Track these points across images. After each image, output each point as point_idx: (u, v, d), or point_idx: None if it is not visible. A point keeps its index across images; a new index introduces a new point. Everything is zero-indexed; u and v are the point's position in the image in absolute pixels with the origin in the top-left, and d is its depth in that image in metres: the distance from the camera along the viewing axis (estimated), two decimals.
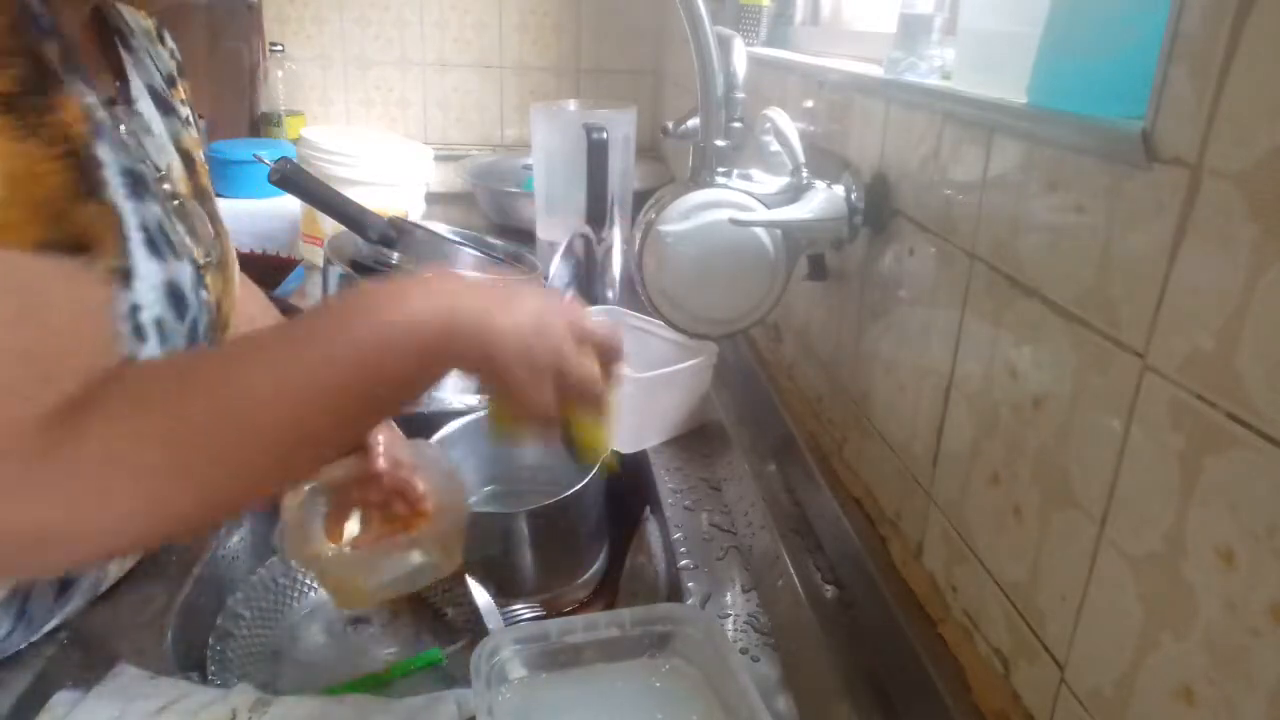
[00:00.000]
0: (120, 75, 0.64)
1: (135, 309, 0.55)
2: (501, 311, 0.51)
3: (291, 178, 1.10)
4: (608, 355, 0.56)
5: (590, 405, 0.56)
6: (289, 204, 1.79)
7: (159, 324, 0.57)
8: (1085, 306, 0.45)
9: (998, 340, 0.54)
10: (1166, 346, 0.39)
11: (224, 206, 1.96)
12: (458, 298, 0.50)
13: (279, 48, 2.08)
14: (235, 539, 0.83)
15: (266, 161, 1.20)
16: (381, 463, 0.72)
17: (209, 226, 0.69)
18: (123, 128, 0.59)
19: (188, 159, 0.69)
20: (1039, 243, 0.50)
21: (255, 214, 1.87)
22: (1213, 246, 0.36)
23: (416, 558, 0.69)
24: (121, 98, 0.63)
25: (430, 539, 0.70)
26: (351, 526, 0.72)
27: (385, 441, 0.73)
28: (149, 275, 0.56)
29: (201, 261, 0.64)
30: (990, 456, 0.55)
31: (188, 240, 0.63)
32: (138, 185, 0.56)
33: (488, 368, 0.51)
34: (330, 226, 1.31)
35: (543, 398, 0.53)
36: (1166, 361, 0.39)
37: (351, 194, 1.16)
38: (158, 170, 0.63)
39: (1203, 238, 0.37)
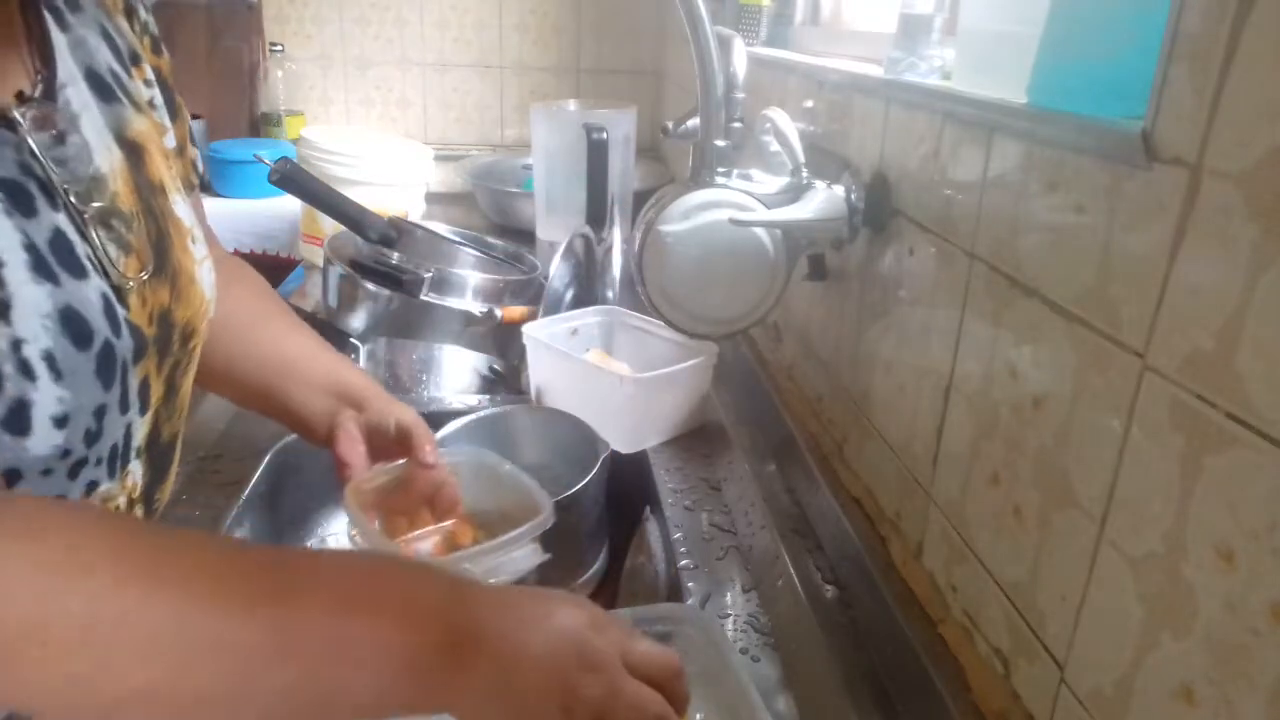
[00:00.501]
0: (48, 61, 0.55)
1: (17, 344, 0.46)
2: (533, 628, 0.42)
3: (291, 178, 1.10)
4: (665, 685, 0.46)
5: None
6: (289, 204, 1.79)
7: (49, 358, 0.48)
8: (1085, 306, 0.45)
9: (998, 340, 0.54)
10: (1166, 346, 0.39)
11: (224, 206, 1.95)
12: (478, 606, 0.41)
13: (279, 48, 2.08)
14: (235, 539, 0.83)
15: (266, 161, 1.20)
16: (430, 457, 0.70)
17: (153, 227, 0.59)
18: (24, 129, 0.51)
19: (134, 151, 0.59)
20: (1039, 243, 0.50)
21: (255, 214, 1.87)
22: (1213, 246, 0.36)
23: (532, 556, 0.64)
24: (43, 91, 0.54)
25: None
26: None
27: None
28: (34, 303, 0.48)
29: (128, 275, 0.55)
30: (990, 456, 0.55)
31: (108, 253, 0.54)
32: (20, 199, 0.49)
33: (507, 712, 0.41)
34: (330, 226, 1.31)
35: None
36: (1166, 361, 0.39)
37: (351, 194, 1.16)
38: (73, 177, 0.53)
39: (1203, 238, 0.37)
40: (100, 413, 0.52)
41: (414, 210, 1.81)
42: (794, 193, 0.75)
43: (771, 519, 0.80)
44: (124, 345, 0.54)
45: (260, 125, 2.14)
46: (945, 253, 0.61)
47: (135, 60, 0.64)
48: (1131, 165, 0.41)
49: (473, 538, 0.70)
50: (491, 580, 0.62)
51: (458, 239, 1.28)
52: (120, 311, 0.54)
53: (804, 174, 0.76)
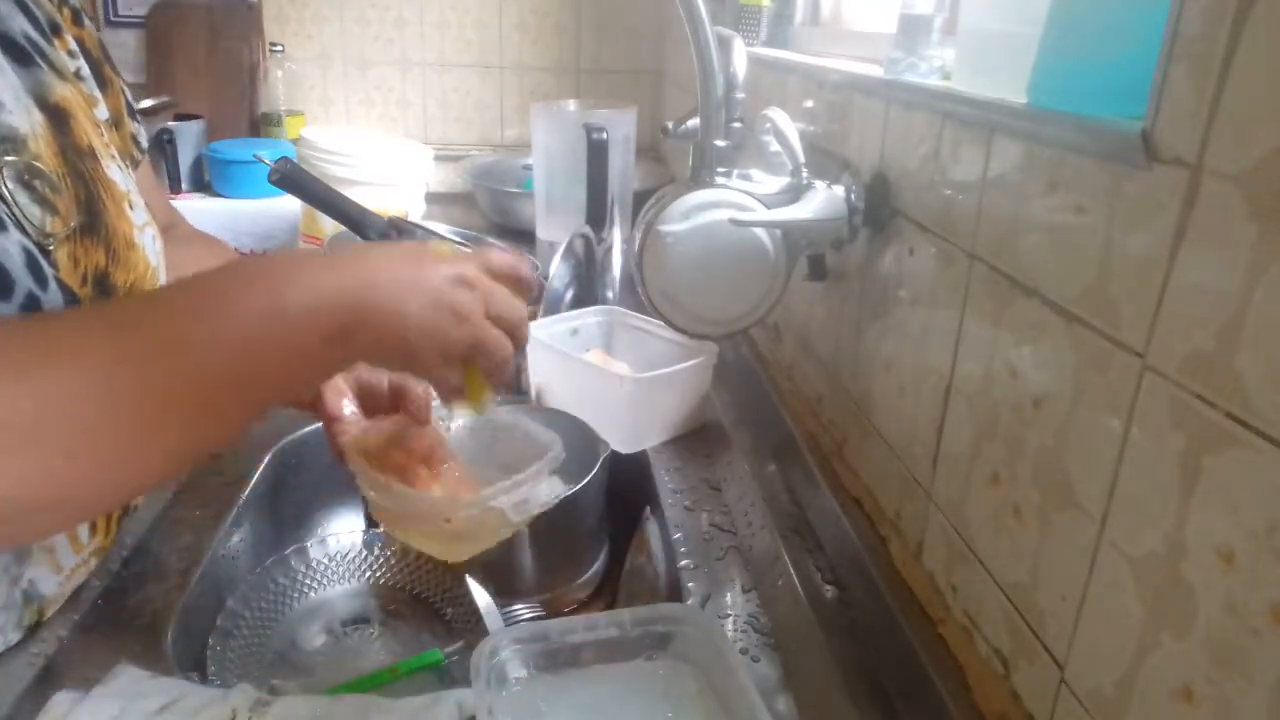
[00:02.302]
0: None
1: None
2: (412, 297, 0.49)
3: (291, 178, 1.10)
4: (514, 331, 0.56)
5: (495, 373, 0.56)
6: (289, 204, 1.79)
7: None
8: (1085, 306, 0.45)
9: (998, 340, 0.54)
10: (1166, 346, 0.39)
11: (224, 206, 1.95)
12: (373, 275, 0.49)
13: (279, 48, 2.08)
14: (235, 539, 0.83)
15: (266, 161, 1.20)
16: (424, 415, 0.68)
17: (81, 189, 0.59)
18: None
19: (58, 116, 0.59)
20: (1039, 243, 0.50)
21: (255, 214, 1.87)
22: (1213, 246, 0.36)
23: (556, 484, 0.65)
24: None
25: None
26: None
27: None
28: None
29: (55, 231, 0.56)
30: (990, 456, 0.55)
31: (32, 210, 0.55)
32: None
33: (397, 358, 0.52)
34: (330, 226, 1.31)
35: (451, 379, 0.54)
36: (1166, 361, 0.39)
37: (351, 194, 1.16)
38: None
39: (1203, 238, 0.37)
40: None
41: (414, 210, 1.81)
42: (794, 193, 0.75)
43: (771, 519, 0.80)
44: (51, 300, 0.54)
45: (260, 125, 2.13)
46: (945, 253, 0.61)
47: (55, 30, 0.64)
48: (1131, 165, 0.41)
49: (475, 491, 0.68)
50: (518, 517, 0.64)
51: (458, 239, 1.28)
52: (48, 269, 0.54)
53: (804, 174, 0.76)
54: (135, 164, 0.72)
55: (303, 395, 0.68)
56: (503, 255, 0.57)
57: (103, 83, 0.67)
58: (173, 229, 0.80)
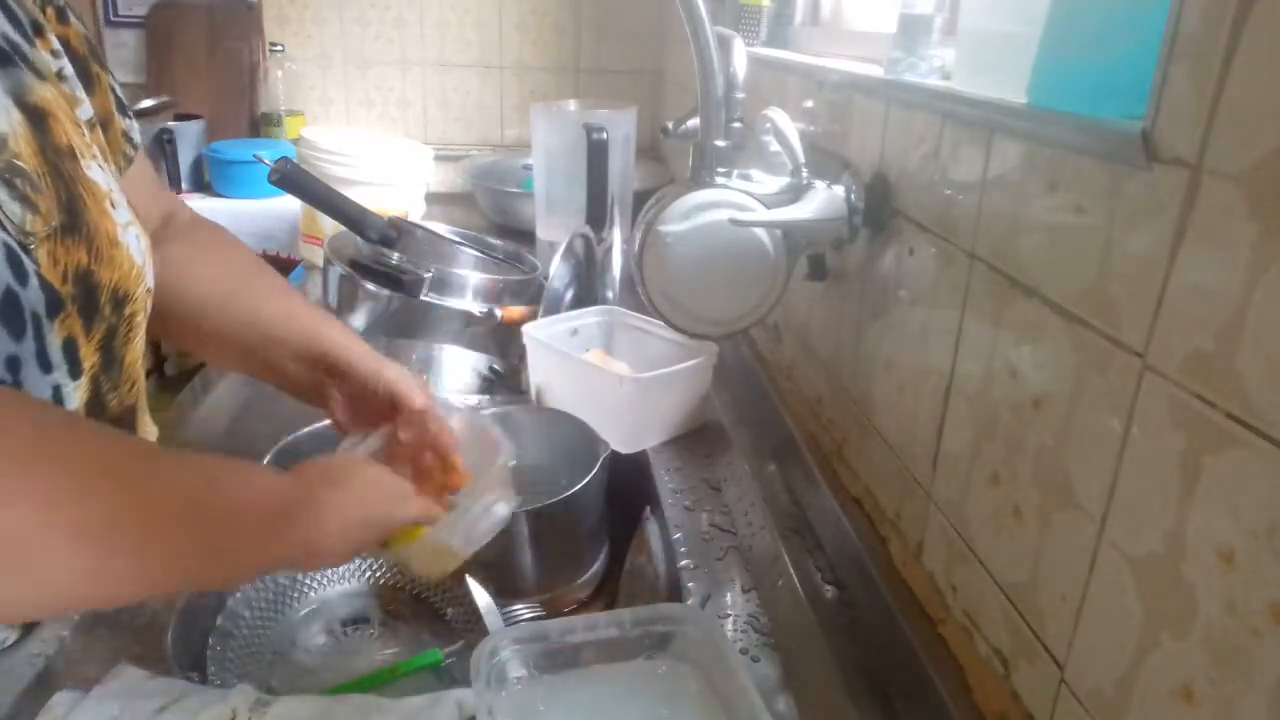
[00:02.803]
0: None
1: None
2: (352, 501, 0.58)
3: (291, 178, 1.10)
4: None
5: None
6: (289, 204, 1.79)
7: None
8: (1085, 306, 0.45)
9: (998, 340, 0.54)
10: (1166, 346, 0.39)
11: (224, 206, 1.95)
12: (310, 484, 0.56)
13: (279, 48, 2.08)
14: None
15: (266, 161, 1.20)
16: (420, 401, 0.70)
17: (62, 189, 0.59)
18: None
19: (37, 116, 0.59)
20: (1039, 243, 0.50)
21: (255, 214, 1.87)
22: (1213, 246, 0.36)
23: (501, 508, 0.67)
24: None
25: (485, 487, 0.68)
26: None
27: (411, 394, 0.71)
28: None
29: (35, 230, 0.56)
30: (990, 456, 0.55)
31: (13, 208, 0.55)
32: None
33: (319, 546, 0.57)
34: (330, 226, 1.31)
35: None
36: (1166, 361, 0.39)
37: (351, 194, 1.16)
38: None
39: (1203, 238, 0.37)
40: (13, 365, 0.53)
41: (414, 210, 1.81)
42: (794, 193, 0.75)
43: (771, 519, 0.80)
44: (32, 297, 0.54)
45: (260, 125, 2.14)
46: (945, 253, 0.61)
47: (38, 31, 0.63)
48: (1131, 165, 0.41)
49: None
50: (470, 547, 0.67)
51: (458, 239, 1.28)
52: (28, 265, 0.54)
53: (804, 174, 0.76)
54: (129, 160, 0.71)
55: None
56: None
57: (89, 81, 0.67)
58: (174, 219, 0.79)
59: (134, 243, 0.64)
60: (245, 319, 0.73)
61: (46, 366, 0.55)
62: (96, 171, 0.62)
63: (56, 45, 0.64)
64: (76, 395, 0.58)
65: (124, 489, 0.45)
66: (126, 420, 0.63)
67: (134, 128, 0.72)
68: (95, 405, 0.60)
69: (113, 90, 0.70)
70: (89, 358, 0.59)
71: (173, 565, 0.48)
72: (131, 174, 0.72)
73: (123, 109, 0.71)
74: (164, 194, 0.82)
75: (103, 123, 0.68)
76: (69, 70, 0.65)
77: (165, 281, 0.70)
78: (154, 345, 1.96)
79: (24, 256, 0.54)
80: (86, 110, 0.65)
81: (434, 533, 0.64)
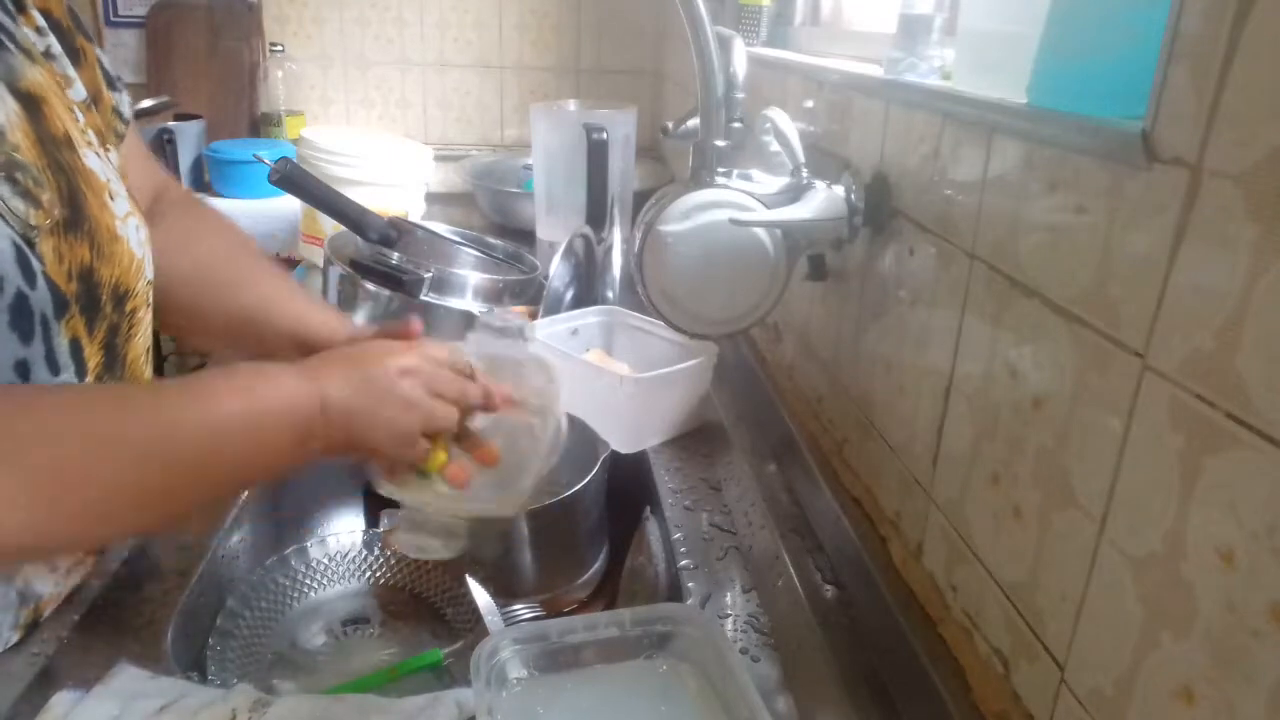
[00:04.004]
0: None
1: None
2: (360, 401, 0.58)
3: (291, 178, 1.10)
4: (459, 374, 0.65)
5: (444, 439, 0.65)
6: (289, 204, 1.79)
7: None
8: (1085, 306, 0.45)
9: (998, 340, 0.54)
10: (1166, 346, 0.39)
11: (224, 206, 1.96)
12: (327, 383, 0.57)
13: (279, 48, 2.08)
14: (235, 539, 0.83)
15: (266, 161, 1.20)
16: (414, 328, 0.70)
17: (63, 181, 0.57)
18: None
19: (31, 103, 0.57)
20: (1039, 243, 0.50)
21: (255, 214, 1.87)
22: (1213, 246, 0.36)
23: (544, 424, 0.69)
24: None
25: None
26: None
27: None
28: None
29: (38, 224, 0.55)
30: (990, 456, 0.55)
31: (15, 203, 0.53)
32: None
33: (359, 451, 0.60)
34: (330, 226, 1.31)
35: (408, 456, 0.62)
36: (1166, 361, 0.39)
37: (351, 194, 1.16)
38: None
39: (1203, 238, 0.37)
40: (22, 368, 0.52)
41: (414, 210, 1.81)
42: (794, 193, 0.75)
43: (771, 519, 0.80)
44: (40, 298, 0.54)
45: (260, 125, 2.13)
46: (945, 253, 0.61)
47: (21, 7, 0.61)
48: (1131, 165, 0.41)
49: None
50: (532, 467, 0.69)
51: (458, 239, 1.28)
52: (36, 264, 0.54)
53: (804, 174, 0.76)
54: (120, 136, 0.69)
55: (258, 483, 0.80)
56: (439, 346, 0.66)
57: (75, 56, 0.64)
58: (164, 196, 0.78)
59: (134, 235, 0.63)
60: (231, 304, 0.73)
61: (55, 368, 0.55)
62: (94, 160, 0.61)
63: (40, 21, 0.62)
64: None
65: (137, 454, 0.49)
66: None
67: (124, 101, 0.70)
68: None
69: (100, 63, 0.67)
70: (93, 357, 0.59)
71: (197, 498, 0.55)
72: (122, 150, 0.70)
73: (110, 83, 0.68)
74: (155, 170, 0.80)
75: (93, 98, 0.65)
76: (56, 48, 0.62)
77: (156, 263, 0.69)
78: (154, 345, 1.95)
79: (30, 255, 0.53)
80: (79, 91, 0.63)
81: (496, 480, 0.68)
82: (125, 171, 0.67)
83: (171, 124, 1.94)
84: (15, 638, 0.63)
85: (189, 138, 1.96)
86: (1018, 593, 0.52)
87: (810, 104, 0.92)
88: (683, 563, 0.79)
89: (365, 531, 0.90)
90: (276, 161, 1.10)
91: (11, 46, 0.57)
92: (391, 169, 1.76)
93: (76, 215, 0.58)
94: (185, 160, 1.95)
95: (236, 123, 2.12)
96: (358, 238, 1.15)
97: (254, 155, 1.74)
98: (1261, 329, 0.34)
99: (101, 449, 0.48)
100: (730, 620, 0.72)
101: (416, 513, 0.73)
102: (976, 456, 0.57)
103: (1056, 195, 0.48)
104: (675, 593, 0.77)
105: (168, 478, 0.51)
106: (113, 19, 2.08)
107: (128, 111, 0.71)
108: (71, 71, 0.63)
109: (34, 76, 0.58)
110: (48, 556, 0.63)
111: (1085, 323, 0.45)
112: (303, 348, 0.70)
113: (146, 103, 1.94)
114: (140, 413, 0.51)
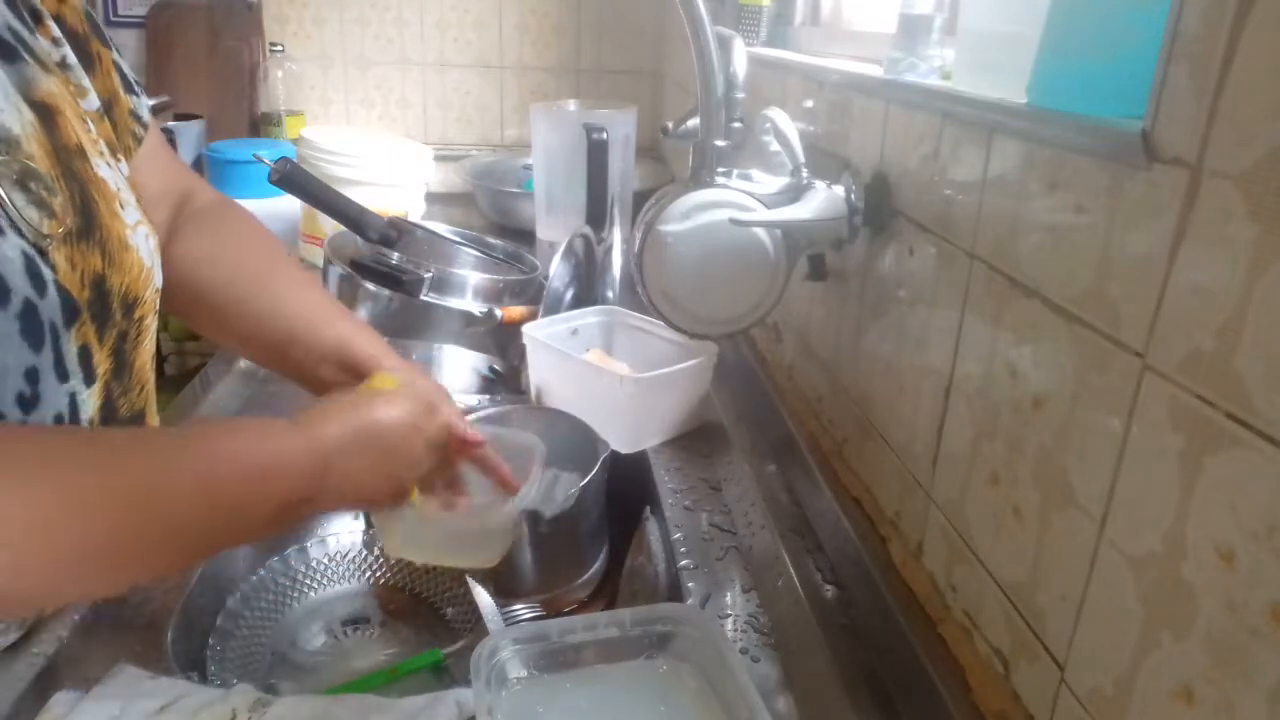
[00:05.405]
0: None
1: None
2: (364, 468, 0.57)
3: (291, 178, 1.10)
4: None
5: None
6: (289, 204, 1.79)
7: None
8: (1085, 306, 0.45)
9: (998, 340, 0.54)
10: (1166, 346, 0.39)
11: None
12: (329, 461, 0.55)
13: (279, 48, 2.08)
14: None
15: (266, 161, 1.20)
16: (470, 435, 0.70)
17: (76, 191, 0.58)
18: None
19: (46, 113, 0.57)
20: (1039, 243, 0.50)
21: (255, 214, 1.87)
22: (1213, 246, 0.36)
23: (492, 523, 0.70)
24: None
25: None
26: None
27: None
28: None
29: (50, 233, 0.54)
30: (990, 456, 0.55)
31: (28, 212, 0.53)
32: None
33: (358, 509, 0.59)
34: (330, 226, 1.31)
35: (399, 501, 0.64)
36: (1166, 361, 0.39)
37: (351, 194, 1.16)
38: None
39: (1203, 238, 0.37)
40: (32, 376, 0.52)
41: (414, 210, 1.81)
42: (794, 193, 0.75)
43: (771, 519, 0.80)
44: (49, 306, 0.53)
45: (260, 125, 2.13)
46: (945, 253, 0.61)
47: (38, 18, 0.61)
48: (1131, 165, 0.41)
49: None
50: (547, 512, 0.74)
51: (458, 239, 1.28)
52: (47, 273, 0.53)
53: (804, 174, 0.76)
54: (138, 140, 0.69)
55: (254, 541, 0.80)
56: (452, 406, 0.68)
57: (89, 62, 0.64)
58: (192, 200, 0.77)
59: (143, 244, 0.63)
60: (266, 317, 0.71)
61: (64, 375, 0.55)
62: (105, 170, 0.61)
63: (56, 31, 0.62)
64: (91, 402, 0.57)
65: (122, 509, 0.45)
66: (135, 424, 0.63)
67: (142, 104, 0.70)
68: (107, 411, 0.59)
69: (117, 67, 0.67)
70: (102, 364, 0.58)
71: (176, 561, 0.53)
72: (144, 152, 0.69)
73: (129, 86, 0.68)
74: (181, 172, 0.79)
75: (107, 105, 0.65)
76: (71, 58, 0.62)
77: (185, 273, 0.69)
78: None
79: (41, 264, 0.53)
80: (92, 101, 0.63)
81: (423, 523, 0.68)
82: (148, 174, 0.67)
83: (171, 124, 1.94)
84: (16, 637, 0.63)
85: (189, 138, 1.96)
86: (1017, 592, 0.52)
87: (810, 104, 0.92)
88: (683, 563, 0.79)
89: (365, 531, 0.90)
90: (276, 161, 1.10)
91: (28, 57, 0.58)
92: (391, 169, 1.75)
93: (89, 224, 0.58)
94: (185, 160, 1.95)
95: (236, 123, 2.12)
96: (358, 238, 1.15)
97: (254, 155, 1.74)
98: (1261, 329, 0.34)
99: (95, 499, 0.45)
100: (730, 620, 0.72)
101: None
102: (976, 456, 0.57)
103: (1056, 195, 0.48)
104: (675, 593, 0.77)
105: (149, 538, 0.48)
106: (113, 19, 2.08)
107: (146, 115, 0.70)
108: (86, 82, 0.63)
109: (49, 87, 0.58)
110: (16, 614, 0.61)
111: (1085, 323, 0.45)
112: (346, 371, 0.69)
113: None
114: (127, 471, 0.48)
